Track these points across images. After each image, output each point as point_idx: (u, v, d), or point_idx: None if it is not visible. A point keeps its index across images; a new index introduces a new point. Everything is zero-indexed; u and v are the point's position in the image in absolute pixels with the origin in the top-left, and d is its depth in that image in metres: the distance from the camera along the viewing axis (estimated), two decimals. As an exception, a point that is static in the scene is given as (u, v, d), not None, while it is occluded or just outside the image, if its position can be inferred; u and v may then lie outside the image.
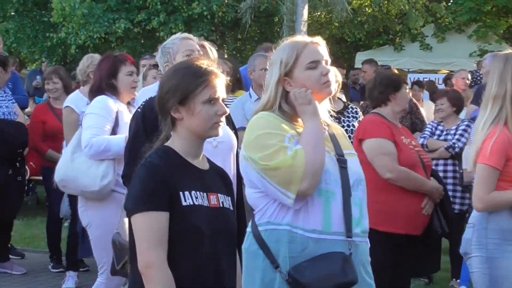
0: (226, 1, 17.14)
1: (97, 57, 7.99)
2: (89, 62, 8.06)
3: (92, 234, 5.89)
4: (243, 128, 4.47)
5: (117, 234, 5.23)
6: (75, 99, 7.72)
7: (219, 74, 3.29)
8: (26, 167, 8.99)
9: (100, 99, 5.78)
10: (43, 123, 8.50)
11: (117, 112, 5.71)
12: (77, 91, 8.03)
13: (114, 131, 5.69)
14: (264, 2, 15.67)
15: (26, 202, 11.96)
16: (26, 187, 11.10)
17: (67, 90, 8.68)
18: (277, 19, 17.73)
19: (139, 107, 4.99)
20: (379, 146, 5.59)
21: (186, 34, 5.26)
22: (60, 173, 5.75)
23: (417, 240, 5.64)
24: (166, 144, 3.29)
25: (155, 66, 6.60)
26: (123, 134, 5.64)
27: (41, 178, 9.23)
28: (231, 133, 5.09)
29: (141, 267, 3.10)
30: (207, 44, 5.64)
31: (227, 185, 3.45)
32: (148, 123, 4.79)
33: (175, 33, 16.55)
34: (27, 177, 9.12)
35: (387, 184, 5.46)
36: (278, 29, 17.55)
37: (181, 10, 16.48)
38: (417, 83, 12.04)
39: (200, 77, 3.24)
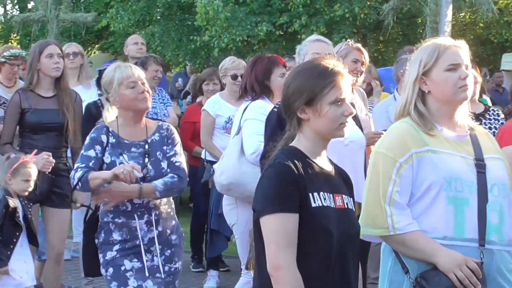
0: (368, 3, 16.99)
1: (228, 61, 8.13)
2: (220, 66, 8.21)
3: (238, 232, 5.98)
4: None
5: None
6: (212, 103, 7.91)
7: (345, 74, 3.28)
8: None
9: (259, 104, 5.87)
10: (193, 123, 8.69)
11: None
12: (217, 94, 8.19)
13: None
14: (407, 3, 15.44)
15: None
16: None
17: None
18: (419, 21, 17.45)
19: (274, 107, 5.11)
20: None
21: (319, 37, 5.29)
22: (229, 176, 5.84)
23: None
24: (291, 144, 3.30)
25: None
26: None
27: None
28: (361, 133, 5.14)
29: (270, 268, 3.12)
30: (359, 46, 5.68)
31: (349, 186, 3.45)
32: (284, 121, 4.91)
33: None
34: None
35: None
36: (421, 31, 17.27)
37: (322, 12, 16.45)
38: None
39: (326, 77, 3.23)
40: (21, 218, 6.02)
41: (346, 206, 3.30)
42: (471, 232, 3.60)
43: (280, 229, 3.10)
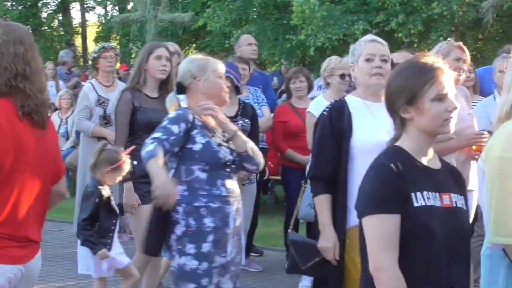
0: (467, 1, 16.72)
1: (334, 60, 8.06)
2: (325, 66, 8.14)
3: None
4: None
5: (292, 233, 5.51)
6: (316, 104, 7.88)
7: (445, 69, 3.23)
8: (265, 167, 9.21)
9: None
10: (284, 123, 8.67)
11: None
12: (320, 95, 8.15)
13: None
14: (508, 0, 15.14)
15: (265, 201, 12.27)
16: (265, 186, 11.42)
17: (309, 91, 8.82)
18: (521, 18, 17.12)
19: (324, 110, 5.11)
20: None
21: (374, 37, 5.23)
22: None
23: None
24: (396, 144, 3.27)
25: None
26: None
27: (279, 177, 9.44)
28: None
29: (372, 270, 3.11)
30: (461, 44, 5.66)
31: (460, 184, 3.36)
32: (335, 125, 4.90)
33: (413, 34, 16.21)
34: (266, 177, 9.34)
35: None
36: (522, 28, 16.94)
37: (420, 10, 16.26)
38: None
39: (425, 74, 3.19)
40: (115, 204, 6.03)
41: (454, 205, 3.24)
42: None
43: (380, 230, 3.08)
